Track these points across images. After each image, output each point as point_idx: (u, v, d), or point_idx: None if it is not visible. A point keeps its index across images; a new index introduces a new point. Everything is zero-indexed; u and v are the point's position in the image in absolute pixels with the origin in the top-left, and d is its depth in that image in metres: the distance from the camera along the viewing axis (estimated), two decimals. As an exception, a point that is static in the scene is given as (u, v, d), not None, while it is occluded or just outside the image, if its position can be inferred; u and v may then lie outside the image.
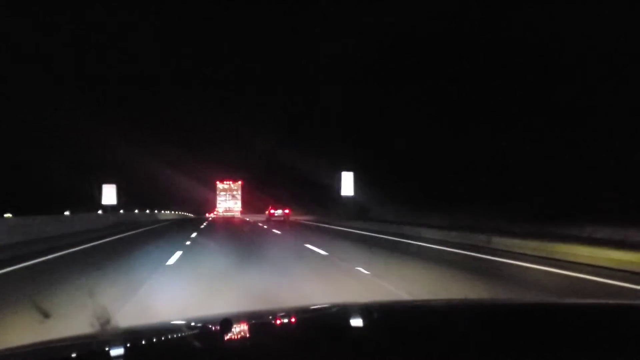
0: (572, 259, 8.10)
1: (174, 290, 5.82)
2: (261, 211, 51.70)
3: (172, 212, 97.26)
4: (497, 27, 21.03)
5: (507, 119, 19.92)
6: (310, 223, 27.96)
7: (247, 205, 51.20)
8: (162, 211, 70.18)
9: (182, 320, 1.67)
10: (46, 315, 4.16)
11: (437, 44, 26.13)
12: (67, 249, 11.10)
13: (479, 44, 22.61)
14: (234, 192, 53.02)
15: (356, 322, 1.62)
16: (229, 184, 53.33)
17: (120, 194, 32.63)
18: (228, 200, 50.42)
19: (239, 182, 53.27)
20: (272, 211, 36.47)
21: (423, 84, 27.18)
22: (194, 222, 35.64)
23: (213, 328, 1.42)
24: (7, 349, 1.27)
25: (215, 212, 52.27)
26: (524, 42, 19.32)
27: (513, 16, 19.99)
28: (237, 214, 50.07)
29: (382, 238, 14.59)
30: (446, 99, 25.00)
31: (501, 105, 20.47)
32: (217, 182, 53.31)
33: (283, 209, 36.61)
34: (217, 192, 53.60)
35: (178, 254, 9.66)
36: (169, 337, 1.47)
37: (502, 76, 20.60)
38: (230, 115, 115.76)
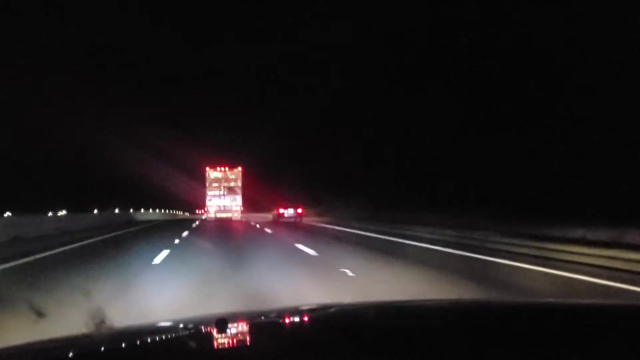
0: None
1: None
2: (263, 210, 42.96)
3: (164, 210, 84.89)
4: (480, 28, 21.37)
5: (497, 120, 19.99)
6: (337, 228, 21.15)
7: (247, 202, 37.28)
8: (144, 210, 57.73)
9: (177, 320, 1.64)
10: (40, 314, 4.03)
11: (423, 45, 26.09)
12: None
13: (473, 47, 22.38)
14: (232, 183, 34.53)
15: (352, 322, 1.59)
16: (224, 170, 35.08)
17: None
18: (223, 196, 34.11)
19: (239, 169, 35.63)
20: (281, 210, 30.21)
21: (423, 90, 26.76)
22: (175, 227, 24.58)
23: (208, 328, 1.44)
24: (1, 349, 1.25)
25: (204, 211, 37.43)
26: (520, 43, 19.16)
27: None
28: (237, 215, 34.34)
29: None
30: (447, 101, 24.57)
31: (494, 106, 20.55)
32: (207, 169, 34.98)
33: (295, 207, 30.31)
34: (207, 184, 35.06)
35: None
36: (164, 337, 1.45)
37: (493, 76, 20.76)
38: (227, 91, 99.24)
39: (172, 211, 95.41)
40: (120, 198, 60.36)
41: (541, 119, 17.80)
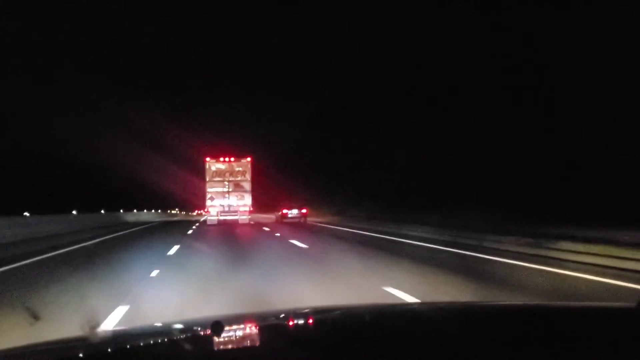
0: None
1: None
2: (267, 209, 40.10)
3: (159, 211, 79.29)
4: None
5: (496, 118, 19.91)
6: (363, 232, 18.55)
7: (254, 201, 30.56)
8: (136, 210, 52.08)
9: (173, 323, 1.62)
10: (36, 317, 4.06)
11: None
12: None
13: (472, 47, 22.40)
14: (239, 177, 26.43)
15: (349, 325, 1.57)
16: (229, 161, 26.54)
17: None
18: (228, 194, 26.44)
19: (247, 159, 26.86)
20: (284, 211, 29.33)
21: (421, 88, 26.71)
22: (170, 232, 20.01)
23: (203, 331, 1.43)
24: None
25: (205, 212, 30.52)
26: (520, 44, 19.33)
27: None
28: (245, 217, 26.38)
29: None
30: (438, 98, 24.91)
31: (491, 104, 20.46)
32: (207, 160, 26.60)
33: (299, 207, 29.59)
34: (208, 178, 26.57)
35: None
36: (160, 340, 1.43)
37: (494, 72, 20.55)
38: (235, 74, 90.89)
39: (169, 211, 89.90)
40: (109, 196, 54.41)
41: (542, 118, 17.78)
